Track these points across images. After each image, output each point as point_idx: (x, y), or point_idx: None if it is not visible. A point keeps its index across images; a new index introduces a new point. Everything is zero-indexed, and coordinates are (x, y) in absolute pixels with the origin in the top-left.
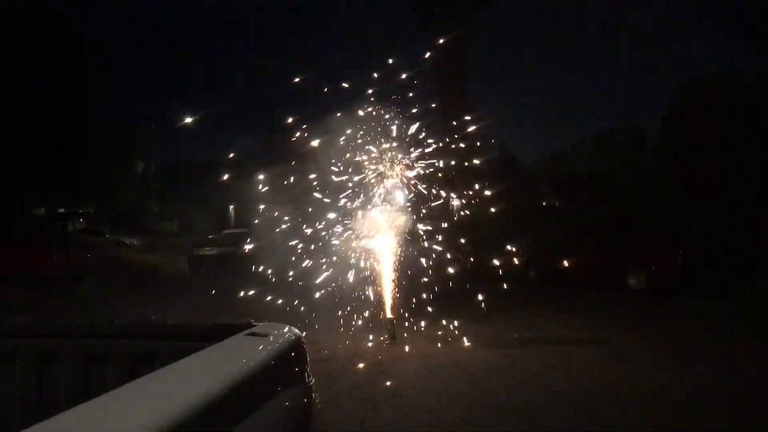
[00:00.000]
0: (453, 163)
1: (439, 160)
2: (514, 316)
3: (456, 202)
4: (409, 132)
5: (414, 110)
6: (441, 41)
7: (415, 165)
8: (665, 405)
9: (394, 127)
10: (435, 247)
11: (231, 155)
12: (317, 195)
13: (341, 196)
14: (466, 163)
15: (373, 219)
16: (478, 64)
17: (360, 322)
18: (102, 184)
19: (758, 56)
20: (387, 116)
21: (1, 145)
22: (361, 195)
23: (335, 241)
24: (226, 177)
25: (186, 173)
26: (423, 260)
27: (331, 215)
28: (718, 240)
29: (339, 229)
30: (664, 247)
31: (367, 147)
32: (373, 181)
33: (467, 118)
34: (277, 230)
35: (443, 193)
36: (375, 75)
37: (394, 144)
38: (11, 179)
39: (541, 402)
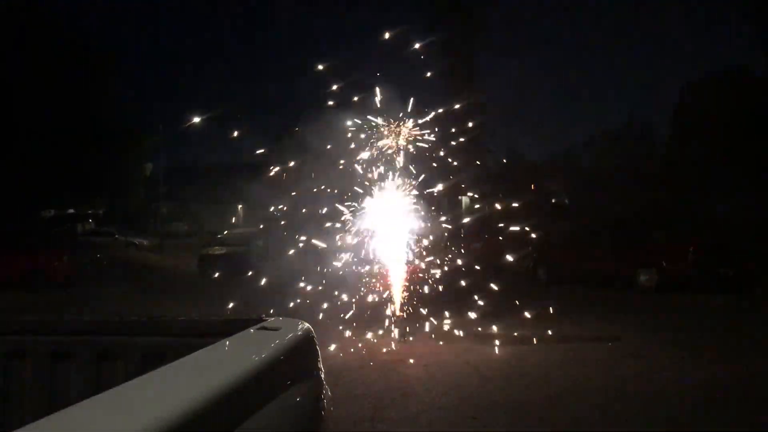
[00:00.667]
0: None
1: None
2: (524, 314)
3: (465, 199)
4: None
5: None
6: (448, 39)
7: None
8: (676, 402)
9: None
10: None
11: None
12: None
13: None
14: (478, 162)
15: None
16: (485, 61)
17: (368, 321)
18: (111, 185)
19: None
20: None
21: (10, 147)
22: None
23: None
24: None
25: (194, 175)
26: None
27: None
28: (730, 237)
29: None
30: (675, 245)
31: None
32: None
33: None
34: (284, 228)
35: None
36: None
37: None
38: (21, 181)
39: (551, 400)
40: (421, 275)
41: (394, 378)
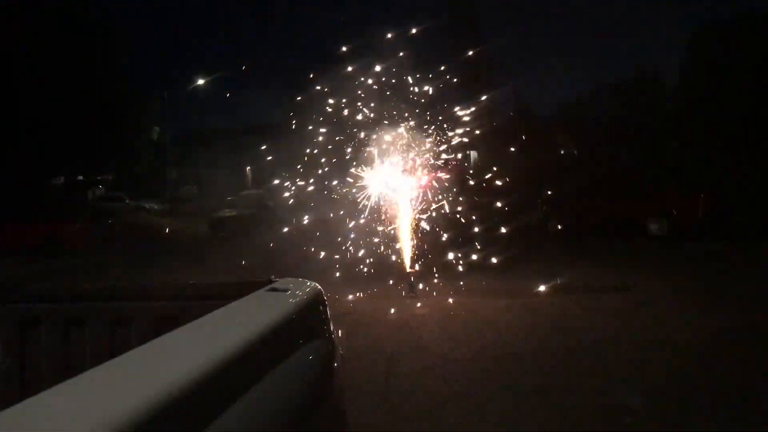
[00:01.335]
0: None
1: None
2: (535, 267)
3: (474, 154)
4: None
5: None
6: None
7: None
8: (687, 351)
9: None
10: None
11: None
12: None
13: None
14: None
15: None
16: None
17: (380, 278)
18: (119, 150)
19: None
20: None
21: (18, 116)
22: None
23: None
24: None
25: (203, 138)
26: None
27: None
28: (740, 185)
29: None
30: (685, 193)
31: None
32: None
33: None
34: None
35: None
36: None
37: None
38: (30, 149)
39: (564, 351)
40: (427, 223)
41: (406, 333)
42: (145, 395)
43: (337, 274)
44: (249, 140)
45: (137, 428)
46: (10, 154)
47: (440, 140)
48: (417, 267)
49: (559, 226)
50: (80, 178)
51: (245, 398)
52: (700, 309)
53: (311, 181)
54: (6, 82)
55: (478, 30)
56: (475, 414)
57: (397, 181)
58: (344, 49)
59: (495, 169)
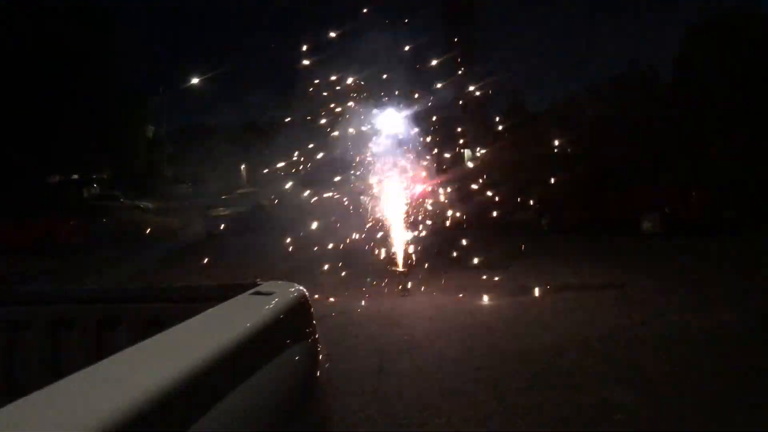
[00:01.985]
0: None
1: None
2: (528, 264)
3: (467, 151)
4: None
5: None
6: None
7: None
8: (679, 348)
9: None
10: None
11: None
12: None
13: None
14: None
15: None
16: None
17: (372, 276)
18: (115, 149)
19: None
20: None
21: (14, 113)
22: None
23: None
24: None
25: (198, 136)
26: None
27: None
28: (733, 180)
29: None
30: (677, 189)
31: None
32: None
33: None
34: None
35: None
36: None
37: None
38: (25, 147)
39: (556, 348)
40: (421, 225)
41: (398, 332)
42: (131, 397)
43: (326, 268)
44: (244, 137)
45: (123, 429)
46: (5, 153)
47: (437, 138)
48: (408, 265)
49: (552, 224)
50: (75, 176)
51: (228, 400)
52: (692, 305)
53: (306, 178)
54: (1, 80)
55: (472, 20)
56: (467, 413)
57: (390, 182)
58: (332, 34)
59: (486, 165)
